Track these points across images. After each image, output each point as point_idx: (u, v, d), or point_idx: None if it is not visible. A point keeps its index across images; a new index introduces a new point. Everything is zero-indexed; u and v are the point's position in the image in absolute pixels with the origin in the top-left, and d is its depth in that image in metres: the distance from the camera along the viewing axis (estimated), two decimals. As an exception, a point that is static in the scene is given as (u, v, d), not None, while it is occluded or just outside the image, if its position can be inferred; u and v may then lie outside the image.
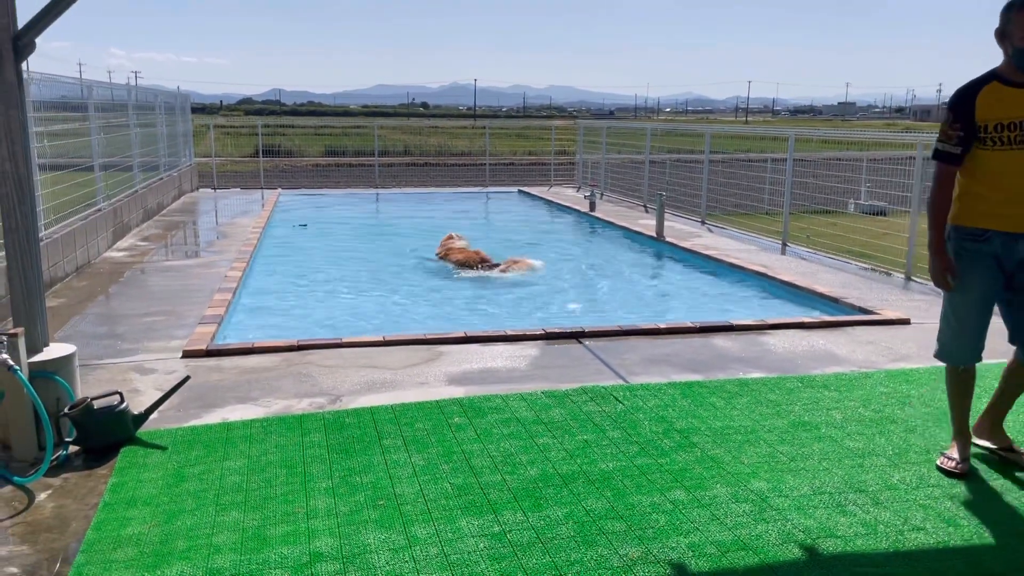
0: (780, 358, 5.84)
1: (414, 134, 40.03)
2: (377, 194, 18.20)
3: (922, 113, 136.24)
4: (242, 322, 7.10)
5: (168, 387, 4.72)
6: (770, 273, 8.81)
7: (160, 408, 4.56)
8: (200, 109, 79.70)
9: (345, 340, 5.97)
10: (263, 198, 16.55)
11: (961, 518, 3.50)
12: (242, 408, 4.77)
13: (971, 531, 3.40)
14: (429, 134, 39.42)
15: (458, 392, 5.02)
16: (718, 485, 3.77)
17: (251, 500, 3.63)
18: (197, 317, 6.69)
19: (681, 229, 12.36)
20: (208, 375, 5.33)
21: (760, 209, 13.27)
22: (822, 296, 7.76)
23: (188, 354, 5.70)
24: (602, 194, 16.70)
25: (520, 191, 18.52)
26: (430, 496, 3.66)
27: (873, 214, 14.34)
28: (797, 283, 8.26)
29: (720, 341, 6.25)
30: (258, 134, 21.70)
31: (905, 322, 6.78)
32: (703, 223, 13.39)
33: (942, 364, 4.08)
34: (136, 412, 4.39)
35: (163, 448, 4.21)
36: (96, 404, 4.19)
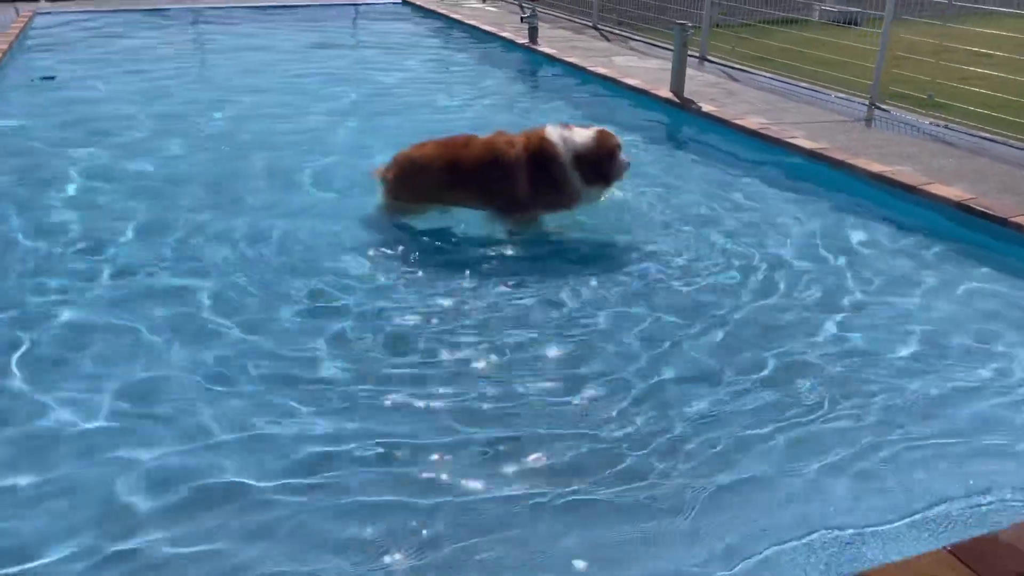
0: None
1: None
2: (193, 9, 12.30)
3: None
4: None
5: None
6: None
7: None
8: None
9: None
10: (17, 16, 10.92)
11: None
12: None
13: None
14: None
15: None
16: None
17: None
18: None
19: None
20: None
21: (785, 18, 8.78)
22: None
23: None
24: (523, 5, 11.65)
25: (405, 2, 13.02)
26: None
27: (843, 23, 10.28)
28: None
29: None
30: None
31: None
32: (704, 60, 8.83)
33: None
34: None
35: None
36: None
